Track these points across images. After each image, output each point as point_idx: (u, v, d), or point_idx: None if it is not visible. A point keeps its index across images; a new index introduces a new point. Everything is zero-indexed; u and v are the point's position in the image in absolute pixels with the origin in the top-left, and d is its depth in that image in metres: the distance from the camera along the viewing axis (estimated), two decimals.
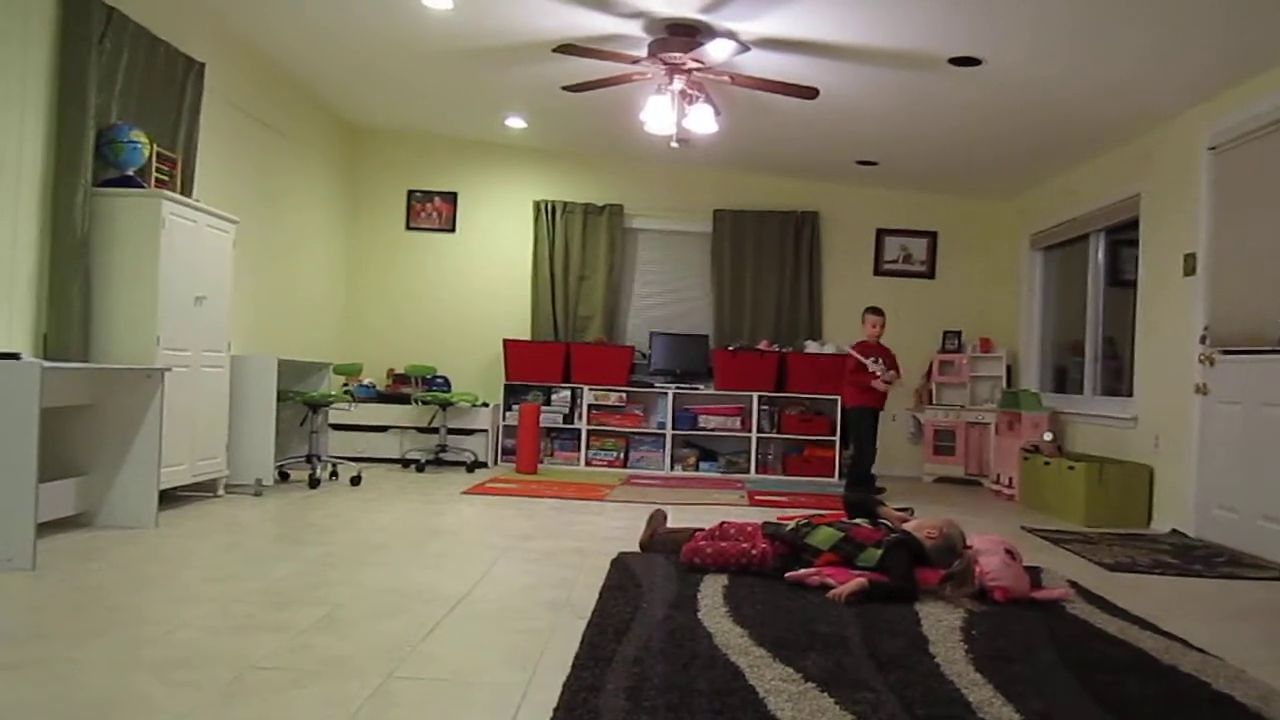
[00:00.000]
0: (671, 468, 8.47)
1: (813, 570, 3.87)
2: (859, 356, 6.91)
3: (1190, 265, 6.01)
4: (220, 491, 5.76)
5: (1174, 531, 5.97)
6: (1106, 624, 3.48)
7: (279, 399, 6.12)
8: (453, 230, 8.89)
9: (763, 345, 8.63)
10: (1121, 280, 7.38)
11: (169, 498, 5.20)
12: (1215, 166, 5.81)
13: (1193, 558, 5.14)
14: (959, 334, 9.02)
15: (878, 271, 9.18)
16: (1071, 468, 6.55)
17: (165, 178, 5.27)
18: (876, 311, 7.12)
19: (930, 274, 9.21)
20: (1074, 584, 4.17)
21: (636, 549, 4.53)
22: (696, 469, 8.51)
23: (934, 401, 8.91)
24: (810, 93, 5.77)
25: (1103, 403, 7.36)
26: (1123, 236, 7.32)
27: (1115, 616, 3.61)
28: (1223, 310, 5.68)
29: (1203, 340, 5.81)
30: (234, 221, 5.71)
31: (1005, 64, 5.58)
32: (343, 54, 6.63)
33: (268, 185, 6.95)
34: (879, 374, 6.83)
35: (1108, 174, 7.21)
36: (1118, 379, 7.35)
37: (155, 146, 5.16)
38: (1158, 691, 2.71)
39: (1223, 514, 5.59)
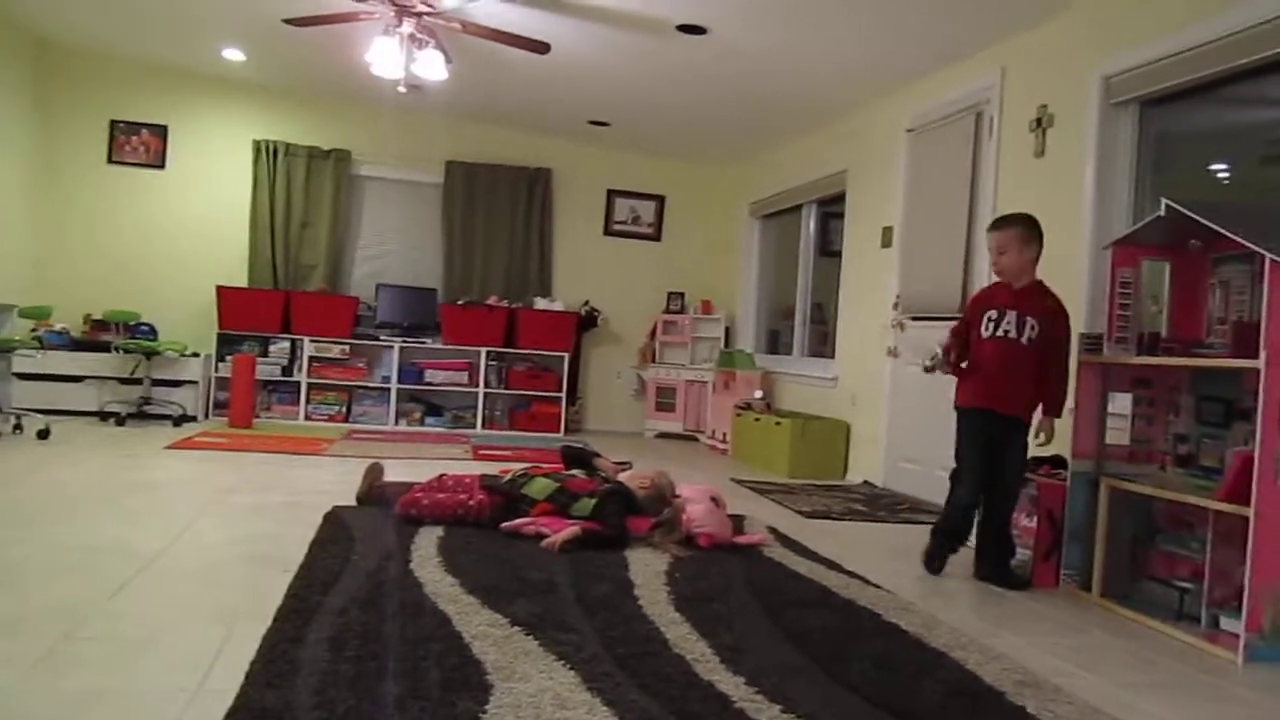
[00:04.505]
0: (396, 422, 8.32)
1: (528, 520, 3.93)
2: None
3: (887, 238, 6.51)
4: None
5: (866, 482, 6.50)
6: (798, 565, 3.75)
7: None
8: (162, 167, 8.22)
9: (492, 300, 8.61)
10: (830, 250, 7.88)
11: None
12: (911, 147, 6.30)
13: (880, 505, 5.62)
14: (682, 296, 9.35)
15: (608, 231, 9.35)
16: (778, 423, 6.98)
17: None
18: (1006, 227, 3.97)
19: (657, 236, 9.48)
20: (773, 530, 4.46)
21: (353, 503, 4.43)
22: (422, 424, 8.40)
23: (657, 360, 9.21)
24: (542, 47, 5.77)
25: (809, 363, 7.87)
26: (832, 209, 7.81)
27: (806, 558, 3.90)
28: (912, 280, 6.19)
29: (895, 307, 6.31)
30: None
31: (729, 36, 5.80)
32: None
33: None
34: (935, 361, 4.03)
35: (820, 149, 7.66)
36: (823, 342, 7.87)
37: None
38: (835, 622, 2.96)
39: (907, 466, 6.13)
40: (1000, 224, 4.00)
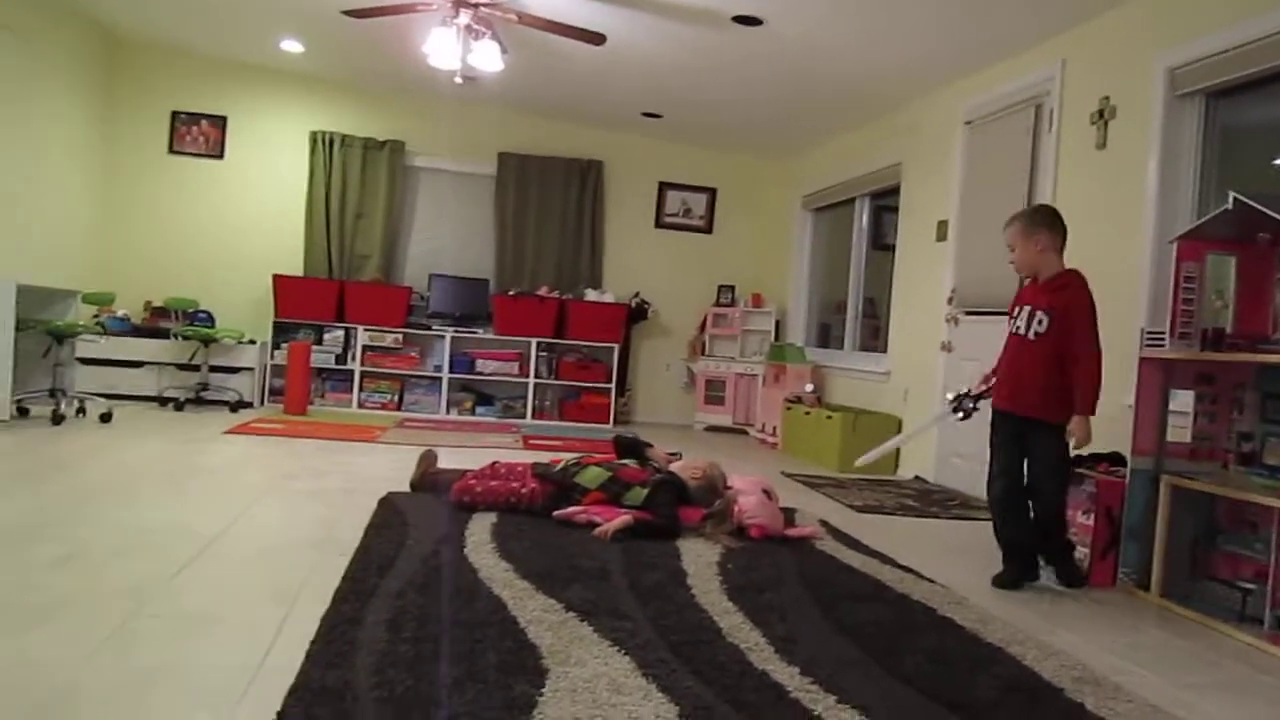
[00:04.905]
0: (447, 411, 8.39)
1: (580, 508, 3.95)
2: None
3: (942, 231, 6.44)
4: None
5: (917, 477, 6.44)
6: (850, 559, 3.73)
7: (18, 328, 5.65)
8: (221, 157, 8.35)
9: (543, 291, 8.64)
10: (883, 244, 7.82)
11: None
12: (968, 140, 6.23)
13: (931, 500, 5.57)
14: (733, 289, 9.33)
15: (659, 224, 9.34)
16: (829, 417, 6.94)
17: None
18: (1009, 224, 3.81)
19: (708, 229, 9.46)
20: (825, 523, 4.45)
21: (406, 489, 4.48)
22: (473, 413, 8.46)
23: (707, 352, 9.20)
24: (597, 38, 5.77)
25: (860, 358, 7.81)
26: (885, 202, 7.75)
27: (859, 552, 3.87)
28: (967, 274, 6.12)
29: (949, 301, 6.25)
30: None
31: (785, 27, 5.76)
32: None
33: (2, 93, 6.31)
34: (957, 402, 3.97)
35: (874, 142, 7.60)
36: (875, 336, 7.81)
37: None
38: (890, 616, 2.94)
39: (958, 462, 6.07)
40: (1007, 223, 3.82)
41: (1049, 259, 3.70)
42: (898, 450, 6.74)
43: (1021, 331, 3.71)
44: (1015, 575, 3.68)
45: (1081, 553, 3.86)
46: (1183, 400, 3.79)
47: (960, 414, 3.92)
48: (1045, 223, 3.71)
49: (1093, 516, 3.85)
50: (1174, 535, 3.61)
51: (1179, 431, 3.78)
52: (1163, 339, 3.75)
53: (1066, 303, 3.58)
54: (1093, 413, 3.54)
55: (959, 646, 2.70)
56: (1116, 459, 4.00)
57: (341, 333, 8.26)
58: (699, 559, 3.49)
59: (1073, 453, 3.75)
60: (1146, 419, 3.76)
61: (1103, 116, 4.92)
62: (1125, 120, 4.79)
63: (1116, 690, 2.45)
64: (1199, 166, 4.46)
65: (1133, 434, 3.77)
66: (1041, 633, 2.98)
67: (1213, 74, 4.27)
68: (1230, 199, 3.33)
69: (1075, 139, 5.15)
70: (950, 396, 3.94)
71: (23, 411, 6.08)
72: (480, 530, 3.67)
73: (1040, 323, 3.63)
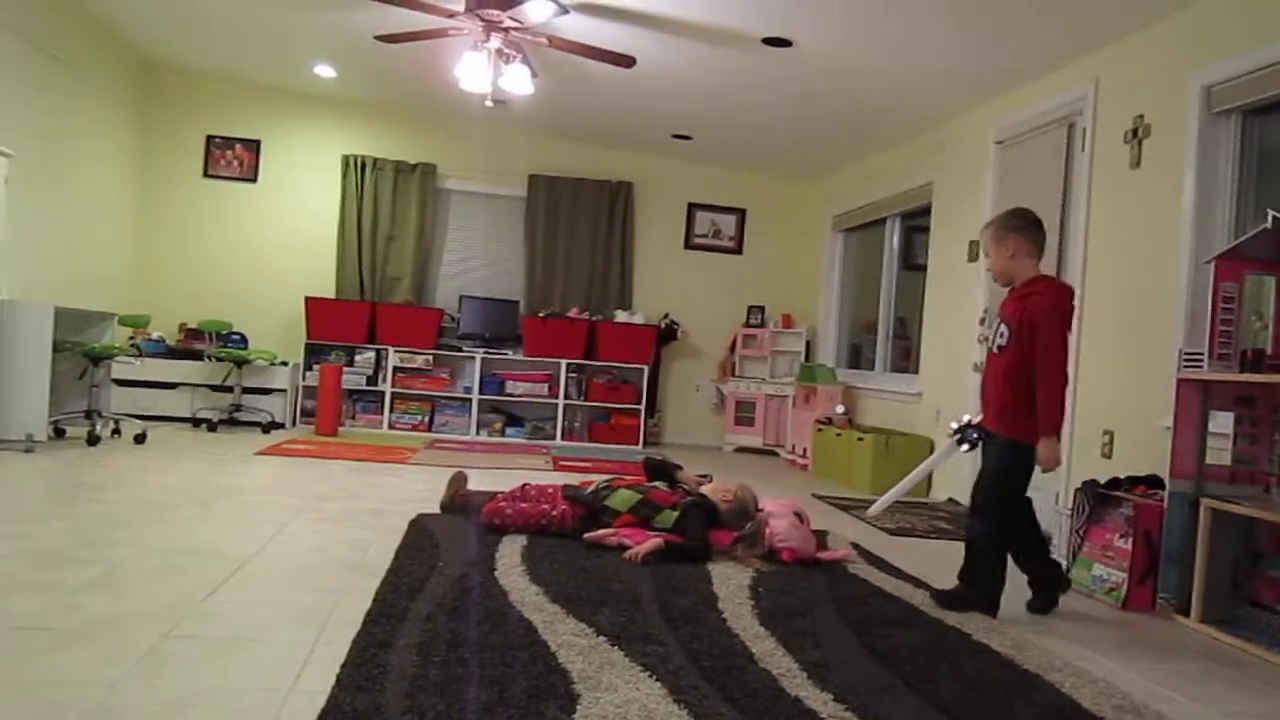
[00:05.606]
0: (477, 433, 8.40)
1: (611, 531, 3.94)
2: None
3: (974, 251, 6.40)
4: None
5: (950, 500, 6.38)
6: (883, 582, 3.70)
7: (55, 349, 5.71)
8: (254, 180, 8.46)
9: (573, 313, 8.66)
10: (914, 264, 7.78)
11: None
12: (1000, 159, 6.19)
13: (965, 524, 5.50)
14: (763, 309, 9.30)
15: (688, 245, 9.35)
16: (860, 439, 6.89)
17: None
18: (982, 233, 3.75)
19: (738, 250, 9.45)
20: (856, 546, 4.41)
21: (437, 510, 4.49)
22: (503, 434, 8.48)
23: (736, 373, 9.17)
24: (627, 61, 5.80)
25: (892, 379, 7.76)
26: (916, 223, 7.71)
27: (891, 575, 3.84)
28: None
29: (982, 322, 6.20)
30: (7, 155, 5.26)
31: (815, 49, 5.76)
32: None
33: (46, 118, 6.41)
34: (961, 431, 3.72)
35: (905, 161, 7.57)
36: (906, 357, 7.76)
37: None
38: (924, 641, 2.90)
39: None
40: (982, 231, 3.65)
41: (1022, 265, 3.51)
42: (931, 473, 6.67)
43: (989, 345, 3.59)
44: (1049, 598, 3.62)
45: (1119, 577, 3.79)
46: (1222, 422, 3.73)
47: (966, 445, 3.73)
48: (1015, 227, 3.53)
49: (1131, 540, 3.79)
50: (1214, 559, 3.54)
51: (1218, 454, 3.73)
52: (1201, 360, 3.70)
53: (1025, 312, 3.39)
54: (1053, 433, 3.33)
55: (995, 673, 2.66)
56: (1155, 482, 3.94)
57: (372, 354, 8.31)
58: (730, 583, 3.46)
59: (1105, 477, 3.70)
60: (1185, 441, 3.70)
61: (1137, 135, 4.88)
62: (1160, 139, 4.74)
63: (1159, 719, 2.40)
64: (1236, 185, 4.40)
65: (1171, 456, 3.72)
66: (1078, 659, 2.93)
67: (1249, 92, 4.22)
68: (1269, 218, 3.28)
69: (1109, 158, 5.10)
70: (953, 427, 3.78)
71: (59, 432, 6.16)
72: (510, 553, 3.67)
73: (1001, 335, 3.47)
